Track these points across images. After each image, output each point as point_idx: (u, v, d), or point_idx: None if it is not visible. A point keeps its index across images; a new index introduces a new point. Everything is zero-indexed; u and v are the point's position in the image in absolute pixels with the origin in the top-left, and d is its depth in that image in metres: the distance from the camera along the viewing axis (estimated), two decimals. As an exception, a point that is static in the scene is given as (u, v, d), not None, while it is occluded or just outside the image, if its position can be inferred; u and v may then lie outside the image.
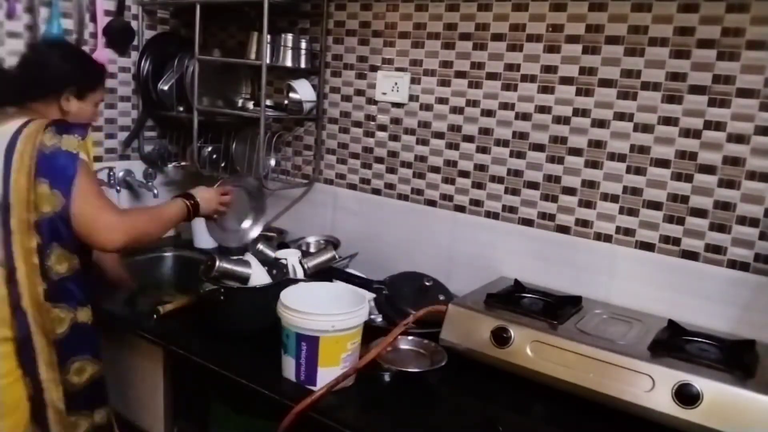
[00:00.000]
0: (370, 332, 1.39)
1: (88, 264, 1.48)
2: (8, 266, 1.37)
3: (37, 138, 1.38)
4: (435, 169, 1.85)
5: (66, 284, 1.42)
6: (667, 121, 1.48)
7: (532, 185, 1.69)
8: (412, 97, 1.86)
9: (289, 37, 1.95)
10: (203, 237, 2.19)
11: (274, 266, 1.61)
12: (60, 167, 1.38)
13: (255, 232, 1.85)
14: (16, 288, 1.38)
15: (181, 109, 2.11)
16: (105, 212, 1.42)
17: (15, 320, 1.39)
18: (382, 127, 1.93)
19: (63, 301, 1.42)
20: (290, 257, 1.66)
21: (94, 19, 2.01)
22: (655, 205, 1.52)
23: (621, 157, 1.55)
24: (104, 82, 1.64)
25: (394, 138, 1.91)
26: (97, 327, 1.49)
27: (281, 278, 1.58)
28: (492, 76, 1.71)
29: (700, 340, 1.35)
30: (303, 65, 1.98)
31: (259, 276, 1.54)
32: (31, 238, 1.37)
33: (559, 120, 1.62)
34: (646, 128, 1.51)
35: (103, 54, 2.04)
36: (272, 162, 2.16)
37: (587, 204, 1.61)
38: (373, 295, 1.62)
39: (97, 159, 2.11)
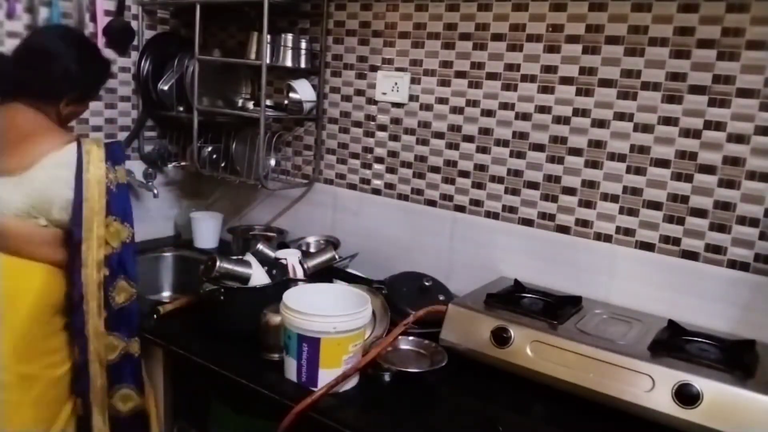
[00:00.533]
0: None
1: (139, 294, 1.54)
2: (78, 293, 1.43)
3: (101, 173, 1.44)
4: (435, 169, 1.85)
5: (122, 314, 1.49)
6: (667, 121, 1.48)
7: (532, 185, 1.69)
8: (412, 97, 1.86)
9: (289, 37, 1.95)
10: (203, 237, 2.20)
11: (274, 266, 1.61)
12: (124, 201, 1.48)
13: None
14: (83, 317, 1.44)
15: (181, 109, 2.11)
16: None
17: (76, 346, 1.46)
18: (382, 127, 1.93)
19: (117, 330, 1.49)
20: (290, 257, 1.66)
21: (94, 19, 2.01)
22: (655, 205, 1.52)
23: (621, 157, 1.55)
24: (107, 82, 1.65)
25: (394, 138, 1.91)
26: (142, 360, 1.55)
27: (281, 278, 1.58)
28: (492, 76, 1.71)
29: (700, 340, 1.35)
30: (303, 65, 1.98)
31: (259, 276, 1.54)
32: (101, 271, 1.45)
33: (559, 120, 1.62)
34: (646, 128, 1.51)
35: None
36: (272, 162, 2.16)
37: (587, 204, 1.61)
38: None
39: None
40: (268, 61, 1.86)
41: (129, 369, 1.51)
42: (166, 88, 2.11)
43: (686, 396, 1.16)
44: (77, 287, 1.43)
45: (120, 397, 1.51)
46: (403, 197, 1.92)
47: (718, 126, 1.42)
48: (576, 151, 1.61)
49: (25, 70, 1.47)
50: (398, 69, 1.87)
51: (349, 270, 1.81)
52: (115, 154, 1.48)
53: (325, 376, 1.27)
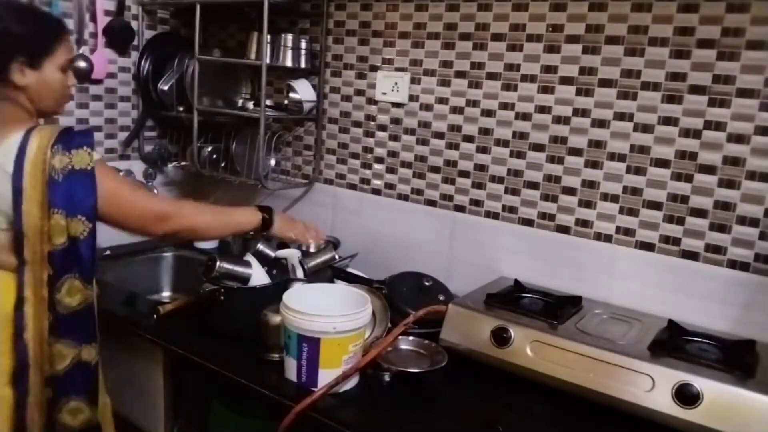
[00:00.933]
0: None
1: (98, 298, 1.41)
2: (18, 295, 1.32)
3: (45, 161, 1.27)
4: (435, 169, 1.85)
5: (75, 318, 1.34)
6: (667, 121, 1.48)
7: (532, 185, 1.69)
8: (412, 97, 1.86)
9: (289, 37, 1.95)
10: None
11: (274, 266, 1.61)
12: (79, 191, 1.30)
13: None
14: (22, 321, 1.32)
15: (181, 109, 2.11)
16: (142, 199, 1.41)
17: (15, 351, 1.33)
18: (382, 127, 1.93)
19: (68, 336, 1.34)
20: (290, 257, 1.66)
21: (94, 19, 2.01)
22: (655, 205, 1.52)
23: (621, 157, 1.55)
24: (65, 38, 1.37)
25: (394, 138, 1.91)
26: (100, 369, 1.43)
27: (281, 278, 1.58)
28: (492, 76, 1.71)
29: (700, 340, 1.35)
30: (303, 65, 1.98)
31: (259, 276, 1.54)
32: (43, 270, 1.31)
33: (559, 120, 1.62)
34: (646, 128, 1.51)
35: (103, 54, 2.04)
36: (272, 162, 2.16)
37: (587, 204, 1.61)
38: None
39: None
40: (268, 61, 1.87)
41: (81, 379, 1.37)
42: (166, 88, 2.11)
43: (686, 396, 1.16)
44: (20, 288, 1.31)
45: (69, 411, 1.36)
46: (403, 197, 1.92)
47: (718, 126, 1.42)
48: (576, 151, 1.61)
49: None
50: (398, 69, 1.87)
51: (349, 270, 1.81)
52: (73, 137, 1.31)
53: (325, 376, 1.27)
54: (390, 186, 1.94)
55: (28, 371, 1.33)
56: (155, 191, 2.13)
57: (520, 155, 1.70)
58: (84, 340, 1.37)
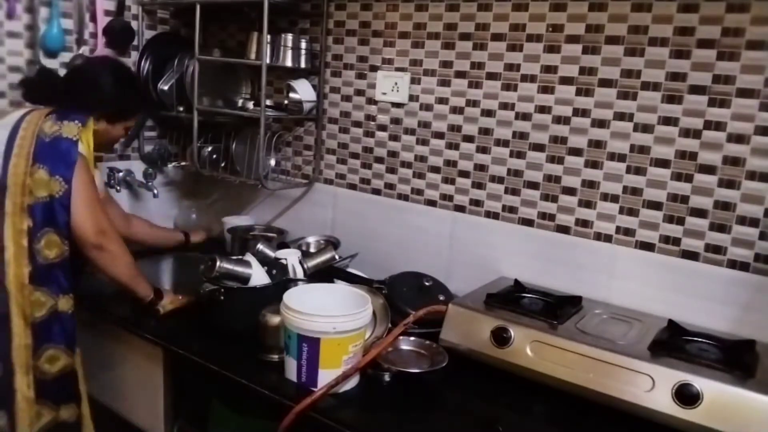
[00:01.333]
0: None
1: (77, 253, 1.48)
2: None
3: (37, 125, 1.44)
4: (435, 169, 1.85)
5: (52, 270, 1.44)
6: (667, 121, 1.48)
7: (532, 185, 1.69)
8: (412, 97, 1.86)
9: (289, 37, 1.95)
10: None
11: (274, 266, 1.61)
12: (61, 153, 1.43)
13: None
14: (2, 267, 1.40)
15: (181, 109, 2.11)
16: (88, 210, 1.45)
17: None
18: (382, 127, 1.93)
19: (46, 285, 1.44)
20: (290, 257, 1.66)
21: (94, 19, 2.01)
22: (655, 205, 1.52)
23: (621, 157, 1.55)
24: (140, 113, 1.71)
25: (394, 138, 1.91)
26: (77, 318, 1.50)
27: (281, 278, 1.58)
28: (492, 76, 1.71)
29: (700, 340, 1.35)
30: (303, 65, 1.98)
31: (259, 276, 1.54)
32: (23, 221, 1.40)
33: (559, 120, 1.62)
34: (646, 128, 1.51)
35: (102, 54, 2.04)
36: (272, 162, 2.16)
37: (587, 204, 1.61)
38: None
39: (98, 159, 2.10)
40: (268, 61, 1.86)
41: (58, 327, 1.46)
42: (166, 88, 2.11)
43: (686, 396, 1.16)
44: (0, 238, 1.40)
45: (47, 358, 1.45)
46: (403, 197, 1.92)
47: (718, 126, 1.42)
48: (576, 151, 1.61)
49: (69, 83, 1.60)
50: (398, 69, 1.87)
51: (349, 270, 1.81)
52: (67, 113, 1.48)
53: (325, 376, 1.27)
54: (390, 186, 1.94)
55: (10, 318, 1.41)
56: (155, 191, 2.13)
57: (520, 155, 1.70)
58: (60, 290, 1.46)
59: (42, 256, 1.42)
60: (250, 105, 2.11)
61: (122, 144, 2.19)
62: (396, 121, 1.90)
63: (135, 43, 2.14)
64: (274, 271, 1.59)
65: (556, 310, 1.43)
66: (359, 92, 1.97)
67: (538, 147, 1.66)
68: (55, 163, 1.42)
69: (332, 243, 1.93)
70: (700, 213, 1.47)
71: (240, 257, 1.59)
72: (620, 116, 1.54)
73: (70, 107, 1.52)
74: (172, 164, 2.29)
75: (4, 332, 1.41)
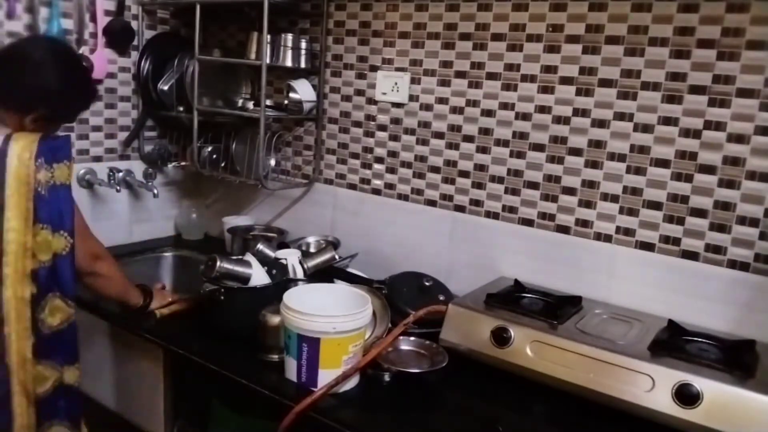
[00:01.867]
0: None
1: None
2: None
3: (30, 176, 1.22)
4: (435, 169, 1.85)
5: (57, 338, 1.31)
6: (667, 121, 1.48)
7: (532, 185, 1.69)
8: (412, 97, 1.86)
9: (289, 37, 1.95)
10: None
11: (274, 266, 1.61)
12: (59, 205, 1.27)
13: None
14: (3, 342, 1.26)
15: (181, 109, 2.11)
16: (80, 239, 1.34)
17: None
18: (382, 127, 1.93)
19: (51, 357, 1.30)
20: (290, 257, 1.66)
21: (94, 19, 2.01)
22: (655, 205, 1.52)
23: (621, 157, 1.55)
24: (85, 110, 1.46)
25: (394, 138, 1.91)
26: (82, 391, 1.41)
27: (281, 278, 1.58)
28: (492, 76, 1.71)
29: (700, 340, 1.35)
30: (303, 65, 1.98)
31: (259, 276, 1.54)
32: (25, 288, 1.25)
33: (559, 120, 1.62)
34: (646, 128, 1.51)
35: (102, 54, 2.04)
36: (272, 162, 2.16)
37: (587, 204, 1.61)
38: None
39: (97, 159, 2.11)
40: (268, 61, 1.86)
41: (63, 402, 1.33)
42: (166, 88, 2.11)
43: (686, 396, 1.16)
44: None
45: None
46: (403, 197, 1.92)
47: (718, 126, 1.42)
48: (576, 151, 1.61)
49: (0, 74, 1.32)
50: (398, 69, 1.87)
51: (349, 270, 1.81)
52: (54, 150, 1.26)
53: (325, 376, 1.27)
54: (390, 186, 1.94)
55: (11, 397, 1.27)
56: (155, 191, 2.13)
57: (520, 155, 1.70)
58: (66, 361, 1.33)
59: (46, 325, 1.28)
60: (250, 105, 2.11)
61: (122, 144, 2.19)
62: (396, 121, 1.90)
63: (135, 43, 2.14)
64: (274, 271, 1.59)
65: (556, 310, 1.43)
66: (359, 92, 1.97)
67: (538, 147, 1.66)
68: (55, 218, 1.27)
69: (332, 243, 1.93)
70: (700, 213, 1.47)
71: (240, 257, 1.59)
72: (620, 116, 1.54)
73: (2, 103, 1.30)
74: (172, 164, 2.29)
75: (4, 414, 1.27)
